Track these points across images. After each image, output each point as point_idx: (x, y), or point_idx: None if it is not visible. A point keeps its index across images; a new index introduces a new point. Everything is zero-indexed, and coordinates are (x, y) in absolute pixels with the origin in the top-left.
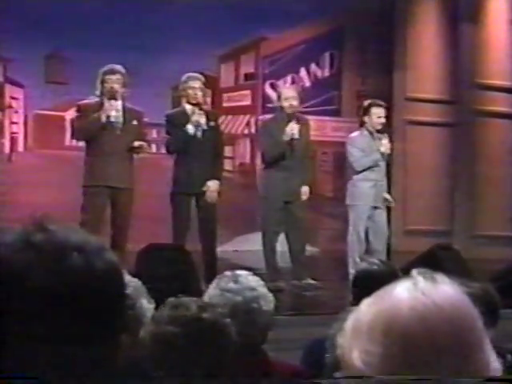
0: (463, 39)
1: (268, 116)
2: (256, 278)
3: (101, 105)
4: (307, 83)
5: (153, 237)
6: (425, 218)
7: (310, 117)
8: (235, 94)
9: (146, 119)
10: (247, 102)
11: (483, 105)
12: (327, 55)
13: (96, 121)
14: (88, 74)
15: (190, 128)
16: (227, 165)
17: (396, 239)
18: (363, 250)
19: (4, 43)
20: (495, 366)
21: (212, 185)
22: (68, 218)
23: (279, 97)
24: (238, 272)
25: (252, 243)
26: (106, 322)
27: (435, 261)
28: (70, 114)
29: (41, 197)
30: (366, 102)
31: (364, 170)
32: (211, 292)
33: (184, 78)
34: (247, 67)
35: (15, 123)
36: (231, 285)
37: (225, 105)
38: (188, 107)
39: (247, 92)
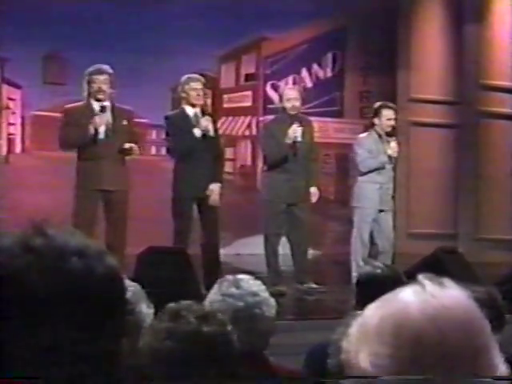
0: (467, 39)
1: (269, 117)
2: (258, 283)
3: (88, 107)
4: (309, 84)
5: (152, 239)
6: (428, 221)
7: (311, 118)
8: (236, 94)
9: (145, 120)
10: (248, 103)
11: (488, 106)
12: (329, 55)
13: (83, 134)
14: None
15: (197, 132)
16: (228, 167)
17: (399, 242)
18: (366, 253)
19: (1, 43)
20: (503, 369)
21: (215, 188)
22: (66, 220)
23: (281, 98)
24: (240, 276)
25: (253, 246)
26: (105, 328)
27: (439, 264)
28: None
29: (38, 199)
30: (377, 104)
31: (370, 172)
32: (212, 297)
33: (184, 79)
34: (248, 67)
35: (12, 124)
36: (233, 290)
37: (225, 106)
38: (189, 109)
39: (248, 93)
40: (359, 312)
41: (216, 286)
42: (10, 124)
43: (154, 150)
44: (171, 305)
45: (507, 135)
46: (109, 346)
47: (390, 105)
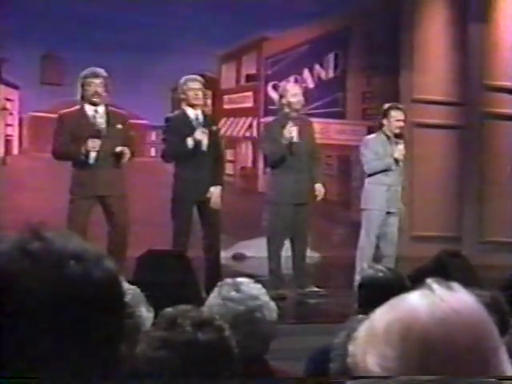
0: (471, 39)
1: (271, 118)
2: (258, 286)
3: (82, 113)
4: (311, 84)
5: (152, 242)
6: (432, 224)
7: (313, 119)
8: (236, 95)
9: (145, 122)
10: (249, 103)
11: (492, 107)
12: (331, 56)
13: (75, 153)
14: None
15: (190, 143)
16: (228, 169)
17: (402, 245)
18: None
19: None
20: (510, 372)
21: (215, 191)
22: (64, 221)
23: (284, 95)
24: (240, 280)
25: (253, 249)
26: (104, 332)
27: (443, 268)
28: None
29: (36, 201)
30: (386, 105)
31: (377, 174)
32: (212, 301)
33: (183, 80)
34: (249, 68)
35: (10, 125)
36: (233, 293)
37: (226, 107)
38: (189, 110)
39: (249, 93)
40: (361, 316)
41: (216, 290)
42: (7, 125)
43: (153, 152)
44: (168, 310)
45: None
46: (108, 351)
47: (399, 106)
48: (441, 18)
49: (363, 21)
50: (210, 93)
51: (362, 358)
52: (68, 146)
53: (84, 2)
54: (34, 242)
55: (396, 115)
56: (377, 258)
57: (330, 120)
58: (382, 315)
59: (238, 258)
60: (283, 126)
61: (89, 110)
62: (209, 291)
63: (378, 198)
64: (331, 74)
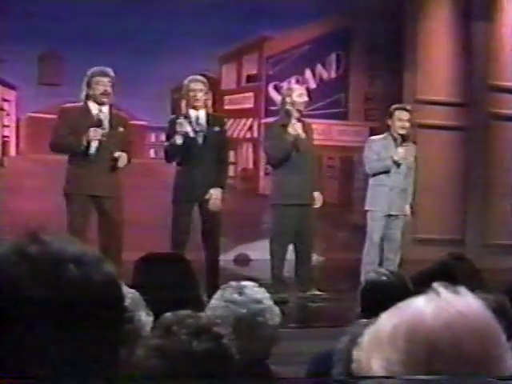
0: (476, 39)
1: (272, 119)
2: (262, 290)
3: (85, 109)
4: (312, 85)
5: (151, 245)
6: (436, 226)
7: (315, 120)
8: (237, 96)
9: (144, 123)
10: (250, 104)
11: (497, 107)
12: (333, 56)
13: (75, 144)
14: (84, 75)
15: (179, 140)
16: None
17: (406, 248)
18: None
19: None
20: None
21: (215, 193)
22: (62, 223)
23: (288, 95)
24: (244, 283)
25: (254, 252)
26: (103, 336)
27: (447, 271)
28: None
29: (34, 202)
30: (393, 106)
31: (378, 175)
32: (215, 303)
33: (186, 81)
34: (250, 68)
35: (7, 126)
36: (236, 296)
37: (226, 107)
38: (192, 111)
39: (250, 94)
40: (364, 321)
41: (219, 292)
42: (4, 126)
43: (152, 153)
44: (166, 316)
45: None
46: (107, 355)
47: (405, 106)
48: (444, 17)
49: (365, 21)
50: (210, 93)
51: (366, 362)
52: (67, 137)
53: (83, 2)
54: (33, 245)
55: (399, 115)
56: (381, 260)
57: (332, 121)
58: (388, 319)
59: (241, 260)
60: (287, 124)
61: (93, 108)
62: (209, 294)
63: (380, 199)
64: (333, 74)
